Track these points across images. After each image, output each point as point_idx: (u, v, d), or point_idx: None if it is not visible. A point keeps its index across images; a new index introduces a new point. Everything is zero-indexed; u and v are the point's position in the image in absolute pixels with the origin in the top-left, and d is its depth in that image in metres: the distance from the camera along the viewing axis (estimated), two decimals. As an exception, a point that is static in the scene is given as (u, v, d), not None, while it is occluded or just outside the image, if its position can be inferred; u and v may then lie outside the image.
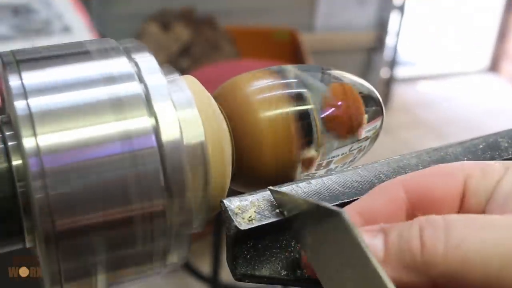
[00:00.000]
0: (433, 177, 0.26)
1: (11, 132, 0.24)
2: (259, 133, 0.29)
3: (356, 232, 0.21)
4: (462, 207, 0.25)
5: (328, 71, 0.33)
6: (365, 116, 0.32)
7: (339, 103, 0.31)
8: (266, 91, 0.30)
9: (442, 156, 0.31)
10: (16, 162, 0.24)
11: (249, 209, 0.26)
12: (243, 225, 0.26)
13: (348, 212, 0.22)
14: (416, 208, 0.25)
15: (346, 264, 0.22)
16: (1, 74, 0.25)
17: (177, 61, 1.98)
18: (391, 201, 0.25)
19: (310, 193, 0.28)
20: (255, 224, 0.26)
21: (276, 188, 0.27)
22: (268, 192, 0.27)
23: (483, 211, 0.24)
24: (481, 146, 0.32)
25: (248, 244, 0.27)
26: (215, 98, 0.30)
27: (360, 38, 2.75)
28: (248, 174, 0.30)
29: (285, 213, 0.27)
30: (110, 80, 0.25)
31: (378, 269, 0.20)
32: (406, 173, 0.29)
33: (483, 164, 0.26)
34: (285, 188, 0.28)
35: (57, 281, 0.24)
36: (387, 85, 2.94)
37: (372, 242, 0.23)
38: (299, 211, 0.26)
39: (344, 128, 0.31)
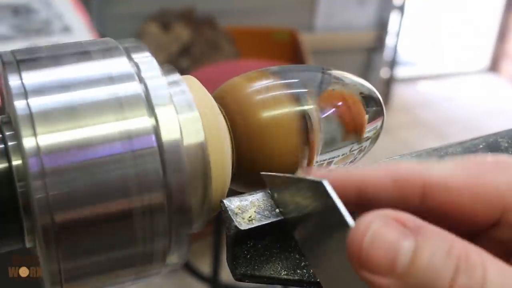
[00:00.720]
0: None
1: (11, 132, 0.24)
2: (259, 133, 0.29)
3: (336, 199, 0.21)
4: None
5: (329, 71, 0.33)
6: (366, 117, 0.32)
7: (340, 103, 0.31)
8: (266, 91, 0.30)
9: (442, 156, 0.31)
10: (16, 162, 0.24)
11: (249, 209, 0.26)
12: (243, 225, 0.26)
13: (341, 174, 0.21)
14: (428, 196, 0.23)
15: (329, 234, 0.22)
16: (1, 74, 0.25)
17: (177, 61, 1.98)
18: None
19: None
20: (255, 224, 0.26)
21: (268, 173, 0.28)
22: (268, 192, 0.27)
23: None
24: (481, 146, 0.32)
25: (248, 244, 0.27)
26: (215, 98, 0.30)
27: (360, 38, 2.75)
28: (248, 174, 0.30)
29: (275, 195, 0.27)
30: (110, 80, 0.25)
31: None
32: None
33: None
34: None
35: (57, 281, 0.24)
36: (387, 85, 2.94)
37: (400, 249, 0.19)
38: (287, 189, 0.26)
39: (345, 128, 0.31)
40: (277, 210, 0.27)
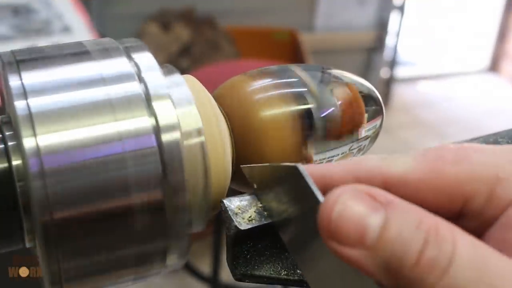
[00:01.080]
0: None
1: (11, 132, 0.24)
2: (259, 133, 0.29)
3: (311, 183, 0.21)
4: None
5: (328, 71, 0.33)
6: (365, 115, 0.32)
7: (339, 102, 0.31)
8: (266, 91, 0.30)
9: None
10: (16, 162, 0.24)
11: (249, 209, 0.26)
12: (243, 225, 0.26)
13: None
14: None
15: (304, 217, 0.22)
16: (1, 74, 0.25)
17: (177, 61, 1.98)
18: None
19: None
20: (255, 224, 0.26)
21: (246, 165, 0.28)
22: (255, 195, 0.27)
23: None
24: (481, 146, 0.31)
25: (248, 244, 0.27)
26: (215, 98, 0.30)
27: (360, 38, 2.75)
28: (248, 174, 0.30)
29: (255, 185, 0.27)
30: (110, 80, 0.25)
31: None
32: None
33: None
34: None
35: (57, 281, 0.24)
36: (387, 85, 2.94)
37: (369, 220, 0.19)
38: (265, 178, 0.26)
39: (345, 127, 0.31)
40: (265, 213, 0.26)
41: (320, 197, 0.21)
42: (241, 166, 0.29)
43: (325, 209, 0.20)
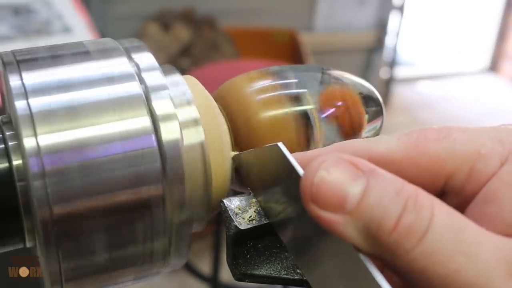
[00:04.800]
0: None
1: (11, 132, 0.25)
2: (259, 133, 0.29)
3: (292, 159, 0.22)
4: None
5: (328, 71, 0.33)
6: (366, 117, 0.32)
7: (339, 103, 0.31)
8: (266, 92, 0.30)
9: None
10: (16, 162, 0.24)
11: (249, 209, 0.26)
12: (243, 225, 0.26)
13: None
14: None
15: (289, 193, 0.23)
16: (1, 74, 0.25)
17: (177, 61, 1.98)
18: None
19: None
20: (255, 224, 0.26)
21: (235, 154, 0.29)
22: (253, 196, 0.28)
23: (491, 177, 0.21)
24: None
25: (248, 244, 0.27)
26: (215, 98, 0.30)
27: (360, 38, 2.75)
28: (248, 174, 0.30)
29: (243, 174, 0.28)
30: (110, 80, 0.25)
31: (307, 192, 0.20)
32: None
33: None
34: None
35: (57, 281, 0.24)
36: (387, 85, 2.94)
37: (350, 186, 0.19)
38: (250, 164, 0.27)
39: (344, 128, 0.31)
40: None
41: (300, 171, 0.21)
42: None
43: (308, 173, 0.20)
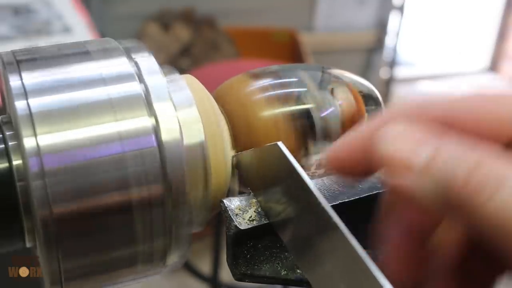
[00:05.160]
0: None
1: (11, 132, 0.25)
2: (259, 133, 0.29)
3: (292, 159, 0.22)
4: None
5: (328, 70, 0.33)
6: (366, 116, 0.32)
7: (339, 102, 0.31)
8: (266, 91, 0.30)
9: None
10: (16, 162, 0.24)
11: (249, 209, 0.26)
12: (243, 225, 0.26)
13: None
14: None
15: (289, 193, 0.23)
16: (1, 74, 0.25)
17: (177, 61, 1.98)
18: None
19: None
20: (255, 224, 0.26)
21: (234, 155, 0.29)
22: (254, 197, 0.28)
23: None
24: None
25: (248, 244, 0.27)
26: (215, 98, 0.30)
27: (360, 38, 2.75)
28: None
29: (242, 174, 0.28)
30: (110, 80, 0.25)
31: (312, 189, 0.20)
32: None
33: None
34: None
35: (57, 281, 0.24)
36: (387, 85, 2.94)
37: (417, 150, 0.20)
38: (250, 164, 0.27)
39: (345, 127, 0.31)
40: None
41: (300, 171, 0.21)
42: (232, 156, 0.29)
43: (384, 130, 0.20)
